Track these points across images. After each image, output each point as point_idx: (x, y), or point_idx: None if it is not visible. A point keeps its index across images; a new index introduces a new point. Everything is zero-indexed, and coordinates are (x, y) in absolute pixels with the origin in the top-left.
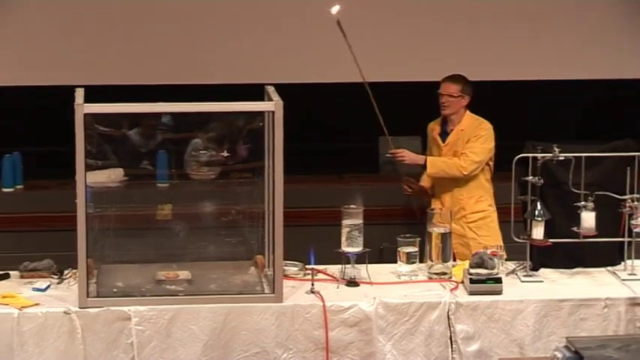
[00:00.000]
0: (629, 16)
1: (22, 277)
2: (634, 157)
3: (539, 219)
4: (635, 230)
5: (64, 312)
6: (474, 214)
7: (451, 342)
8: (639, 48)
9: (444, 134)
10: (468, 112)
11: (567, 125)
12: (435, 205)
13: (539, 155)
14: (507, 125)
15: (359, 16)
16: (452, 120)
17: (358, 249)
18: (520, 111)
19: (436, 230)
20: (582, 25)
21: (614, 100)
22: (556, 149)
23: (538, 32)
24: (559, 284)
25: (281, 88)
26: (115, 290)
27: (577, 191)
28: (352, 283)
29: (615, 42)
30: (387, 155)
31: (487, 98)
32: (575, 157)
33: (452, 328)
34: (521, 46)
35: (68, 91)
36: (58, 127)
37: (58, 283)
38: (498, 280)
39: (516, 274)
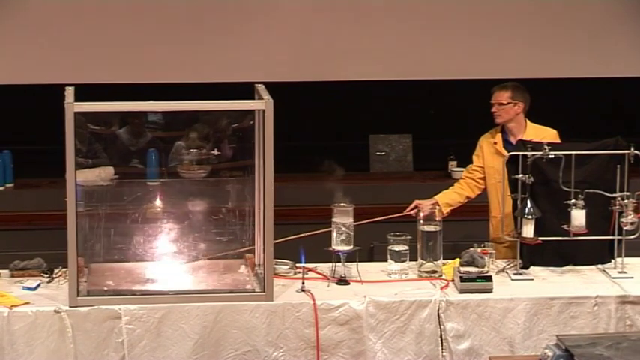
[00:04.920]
0: (627, 14)
1: (12, 275)
2: (623, 155)
3: (530, 217)
4: (624, 228)
5: (55, 311)
6: None
7: (441, 340)
8: (631, 46)
9: (508, 144)
10: (529, 122)
11: (561, 124)
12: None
13: (529, 154)
14: None
15: (352, 15)
16: (511, 130)
17: (349, 247)
18: None
19: (427, 228)
20: (579, 24)
21: (606, 98)
22: (546, 147)
23: (535, 31)
24: (549, 282)
25: (271, 87)
26: (105, 289)
27: (567, 189)
28: (343, 281)
29: (609, 40)
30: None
31: (484, 96)
32: (565, 155)
33: (442, 327)
34: (514, 45)
35: (58, 90)
36: (48, 125)
37: (49, 282)
38: (489, 279)
39: (506, 272)
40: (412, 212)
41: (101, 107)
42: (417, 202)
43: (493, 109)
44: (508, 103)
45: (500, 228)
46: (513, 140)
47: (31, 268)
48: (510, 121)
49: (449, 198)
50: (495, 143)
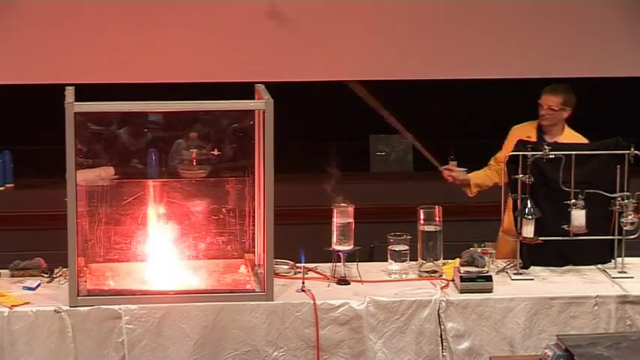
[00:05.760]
0: (627, 14)
1: (12, 275)
2: (623, 155)
3: (530, 217)
4: (624, 228)
5: (55, 311)
6: None
7: (442, 340)
8: (631, 46)
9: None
10: (566, 126)
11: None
12: None
13: (529, 154)
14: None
15: (353, 14)
16: (550, 131)
17: (349, 247)
18: (518, 109)
19: (427, 228)
20: (579, 24)
21: (606, 98)
22: (546, 147)
23: (535, 31)
24: (549, 282)
25: (271, 87)
26: (105, 289)
27: (567, 189)
28: (343, 281)
29: (609, 40)
30: (440, 169)
31: (484, 96)
32: (565, 155)
33: (442, 327)
34: (514, 45)
35: (58, 90)
36: (48, 125)
37: (49, 282)
38: (489, 279)
39: (507, 272)
40: (445, 173)
41: (101, 107)
42: (453, 167)
43: (542, 112)
44: (560, 109)
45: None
46: (549, 140)
47: (31, 268)
48: (555, 124)
49: (480, 179)
50: (529, 137)
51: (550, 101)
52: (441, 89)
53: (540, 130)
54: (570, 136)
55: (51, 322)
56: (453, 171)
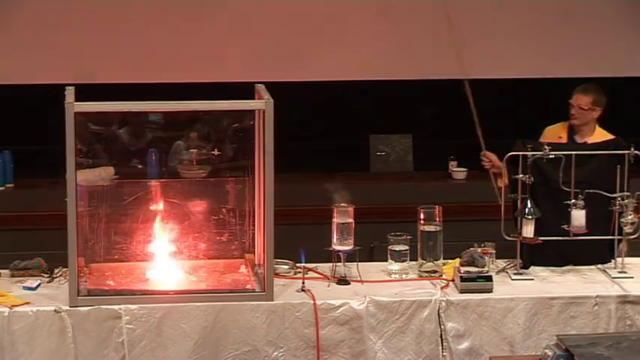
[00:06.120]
0: (627, 14)
1: (12, 275)
2: (623, 155)
3: (530, 217)
4: (624, 228)
5: (55, 311)
6: None
7: (442, 340)
8: (631, 46)
9: (573, 143)
10: (597, 126)
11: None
12: None
13: (529, 153)
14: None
15: (353, 15)
16: (581, 131)
17: (349, 247)
18: (519, 109)
19: (427, 228)
20: (579, 23)
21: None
22: (546, 147)
23: (535, 31)
24: (549, 282)
25: (271, 87)
26: (105, 289)
27: (567, 189)
28: (343, 281)
29: (613, 40)
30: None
31: (484, 96)
32: (565, 155)
33: (442, 326)
34: (514, 45)
35: (58, 90)
36: (48, 125)
37: (49, 282)
38: (489, 279)
39: (507, 272)
40: (485, 158)
41: (101, 107)
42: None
43: (572, 112)
44: (589, 108)
45: None
46: (579, 140)
47: (31, 268)
48: (585, 124)
49: None
50: (560, 138)
51: (580, 101)
52: (441, 89)
53: (572, 130)
54: (601, 136)
55: (51, 322)
56: (492, 157)
